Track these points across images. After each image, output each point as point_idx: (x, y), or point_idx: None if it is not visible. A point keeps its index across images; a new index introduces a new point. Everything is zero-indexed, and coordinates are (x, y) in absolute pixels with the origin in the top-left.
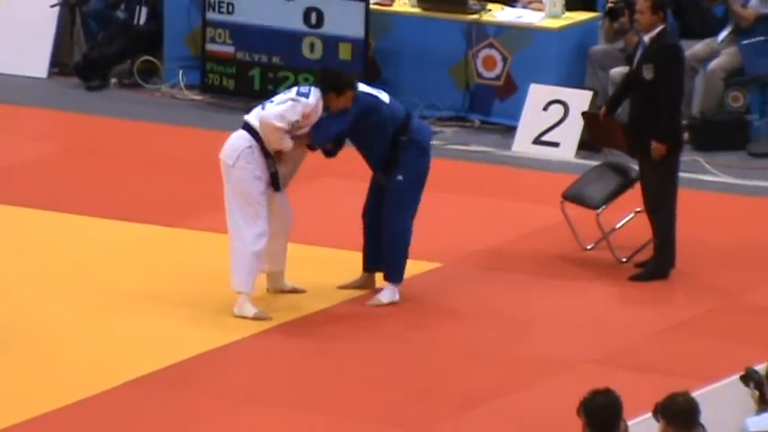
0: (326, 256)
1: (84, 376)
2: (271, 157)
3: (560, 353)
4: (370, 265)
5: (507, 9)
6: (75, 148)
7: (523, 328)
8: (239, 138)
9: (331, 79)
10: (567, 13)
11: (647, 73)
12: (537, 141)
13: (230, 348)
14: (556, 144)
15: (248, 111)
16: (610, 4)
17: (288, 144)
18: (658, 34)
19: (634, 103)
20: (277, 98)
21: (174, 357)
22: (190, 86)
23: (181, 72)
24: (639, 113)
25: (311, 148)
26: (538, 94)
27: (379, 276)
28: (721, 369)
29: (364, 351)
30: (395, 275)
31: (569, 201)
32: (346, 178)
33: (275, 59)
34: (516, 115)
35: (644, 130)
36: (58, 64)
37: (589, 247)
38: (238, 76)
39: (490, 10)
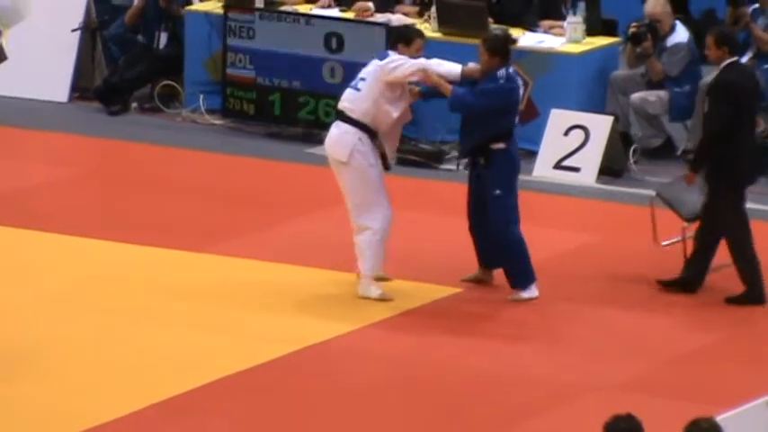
0: (337, 279)
1: (105, 399)
2: (377, 139)
3: (582, 378)
4: (486, 262)
5: (528, 34)
6: (95, 173)
7: (544, 353)
8: (345, 133)
9: (398, 32)
10: (588, 39)
11: (705, 105)
12: (558, 166)
13: (248, 374)
14: (577, 169)
15: (270, 135)
16: (632, 29)
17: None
18: (724, 68)
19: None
20: (366, 72)
21: (193, 382)
22: (210, 111)
23: (201, 97)
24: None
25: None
26: (559, 118)
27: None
28: (743, 395)
29: (386, 377)
30: (523, 281)
31: (663, 202)
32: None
33: (296, 84)
34: (537, 140)
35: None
36: (79, 88)
37: (665, 243)
38: (259, 101)
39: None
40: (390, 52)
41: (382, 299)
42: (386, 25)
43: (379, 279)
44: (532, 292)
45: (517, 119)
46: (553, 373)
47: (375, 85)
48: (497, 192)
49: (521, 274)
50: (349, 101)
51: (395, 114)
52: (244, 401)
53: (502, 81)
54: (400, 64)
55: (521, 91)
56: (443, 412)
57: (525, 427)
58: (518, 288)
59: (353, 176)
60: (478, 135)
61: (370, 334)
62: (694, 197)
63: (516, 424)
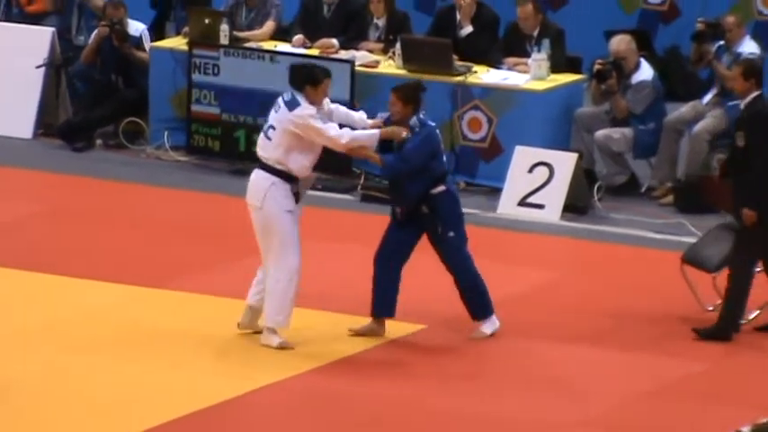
0: (311, 317)
1: None
2: (294, 182)
3: (546, 415)
4: (379, 310)
5: (493, 71)
6: (59, 209)
7: (507, 391)
8: (260, 178)
9: (305, 73)
10: (553, 76)
11: (740, 140)
12: (522, 203)
13: (211, 411)
14: (541, 206)
15: (234, 172)
16: (597, 66)
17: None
18: (752, 101)
19: (731, 167)
20: (275, 120)
21: (153, 419)
22: (175, 147)
23: (166, 133)
24: (734, 180)
25: (384, 175)
26: (523, 156)
27: (394, 324)
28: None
29: (345, 415)
30: (484, 312)
31: (688, 263)
32: (331, 241)
33: (261, 121)
34: (501, 177)
35: (737, 196)
36: (44, 125)
37: (710, 308)
38: (224, 138)
39: (476, 72)
40: (298, 97)
41: (283, 347)
42: (351, 62)
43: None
44: (494, 323)
45: (445, 158)
46: (514, 412)
47: (284, 135)
48: (451, 234)
49: (484, 305)
50: (262, 148)
51: (307, 162)
52: None
53: (417, 129)
54: (315, 126)
55: (437, 131)
56: None
57: None
58: (481, 319)
59: (265, 222)
60: (419, 186)
61: (331, 371)
62: (711, 250)
63: None
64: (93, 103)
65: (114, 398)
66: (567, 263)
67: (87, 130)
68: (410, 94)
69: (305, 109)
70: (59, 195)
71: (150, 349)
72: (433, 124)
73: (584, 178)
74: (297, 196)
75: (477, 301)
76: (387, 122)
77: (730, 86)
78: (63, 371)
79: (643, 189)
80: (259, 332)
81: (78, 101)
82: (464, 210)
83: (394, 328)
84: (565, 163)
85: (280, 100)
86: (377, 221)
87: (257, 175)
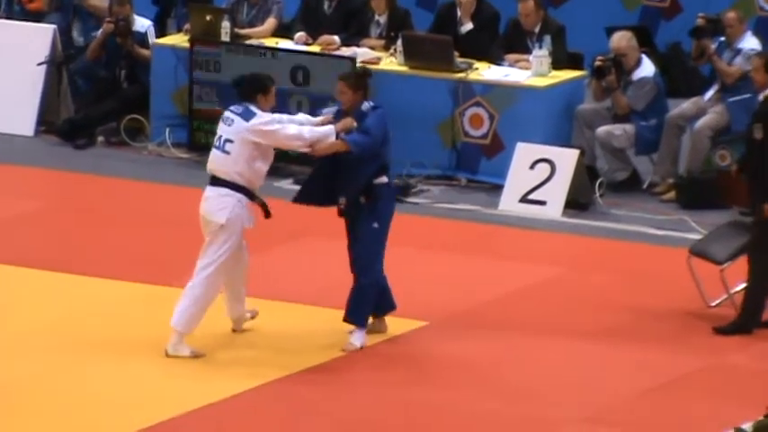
0: (308, 314)
1: None
2: (255, 196)
3: (549, 412)
4: (378, 308)
5: (494, 68)
6: (61, 207)
7: (510, 387)
8: (224, 195)
9: (253, 82)
10: (554, 72)
11: (757, 132)
12: (524, 200)
13: (214, 407)
14: (542, 202)
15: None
16: (597, 63)
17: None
18: None
19: (748, 161)
20: (231, 134)
21: (157, 416)
22: (177, 144)
23: (168, 130)
24: (750, 172)
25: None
26: (525, 152)
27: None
28: (710, 429)
29: (345, 412)
30: (362, 319)
31: (695, 256)
32: (328, 238)
33: None
34: (503, 174)
35: (754, 189)
36: (45, 122)
37: (713, 304)
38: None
39: (477, 68)
40: (251, 107)
41: (195, 355)
42: (352, 59)
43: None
44: (363, 337)
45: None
46: (519, 408)
47: (244, 146)
48: (375, 225)
49: (366, 313)
50: (219, 164)
51: (266, 168)
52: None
53: (370, 111)
54: (275, 130)
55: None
56: None
57: None
58: (360, 324)
59: (225, 239)
60: (369, 171)
61: (332, 367)
62: (720, 244)
63: None
64: (96, 100)
65: (114, 397)
66: (569, 259)
67: (89, 127)
68: (358, 82)
69: (261, 116)
70: (61, 193)
71: (154, 347)
72: (381, 108)
73: (585, 174)
74: (264, 207)
75: (362, 305)
76: (336, 116)
77: (730, 82)
78: (66, 370)
79: (645, 185)
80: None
81: (81, 98)
82: (466, 206)
83: (396, 324)
84: (566, 159)
85: (229, 114)
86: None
87: (218, 192)
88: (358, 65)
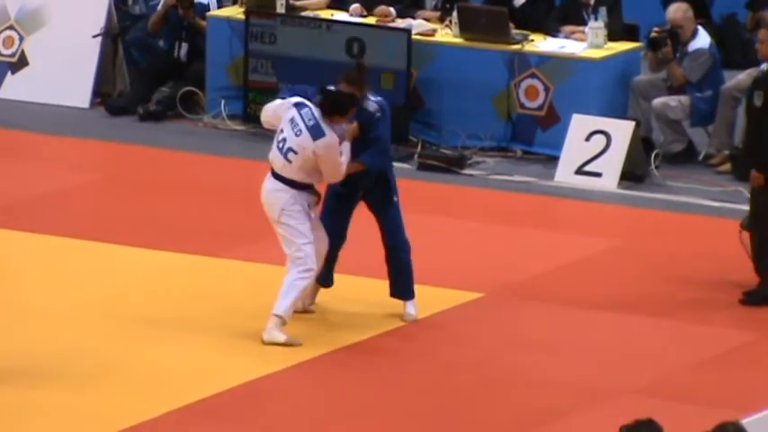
0: (355, 284)
1: (127, 405)
2: (312, 190)
3: (602, 383)
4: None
5: (550, 39)
6: (116, 179)
7: (564, 358)
8: (277, 190)
9: (335, 103)
10: (610, 44)
11: (757, 100)
12: (579, 172)
13: (268, 380)
14: (598, 174)
15: None
16: (653, 34)
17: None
18: None
19: (746, 128)
20: (296, 145)
21: (213, 388)
22: (232, 116)
23: (223, 102)
24: (747, 139)
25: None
26: (580, 124)
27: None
28: (764, 400)
29: (406, 382)
30: (412, 292)
31: (746, 230)
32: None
33: None
34: (558, 145)
35: (749, 157)
36: (101, 94)
37: None
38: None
39: (533, 40)
40: (322, 124)
41: (289, 344)
42: (407, 31)
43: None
44: (416, 306)
45: None
46: (573, 379)
47: (307, 161)
48: (395, 198)
49: (411, 286)
50: (279, 168)
51: (320, 176)
52: (262, 408)
53: (378, 114)
54: (335, 162)
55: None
56: (461, 416)
57: None
58: (412, 297)
59: (283, 231)
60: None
61: (387, 339)
62: None
63: (535, 429)
64: (155, 74)
65: (172, 367)
66: (625, 231)
67: (147, 102)
68: (359, 77)
69: (330, 139)
70: (116, 165)
71: (208, 318)
72: (382, 99)
73: (641, 146)
74: (318, 197)
75: (409, 278)
76: None
77: None
78: (123, 341)
79: (700, 157)
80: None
81: (140, 74)
82: (521, 178)
83: (451, 296)
84: (622, 131)
85: (299, 119)
86: (434, 190)
87: (274, 186)
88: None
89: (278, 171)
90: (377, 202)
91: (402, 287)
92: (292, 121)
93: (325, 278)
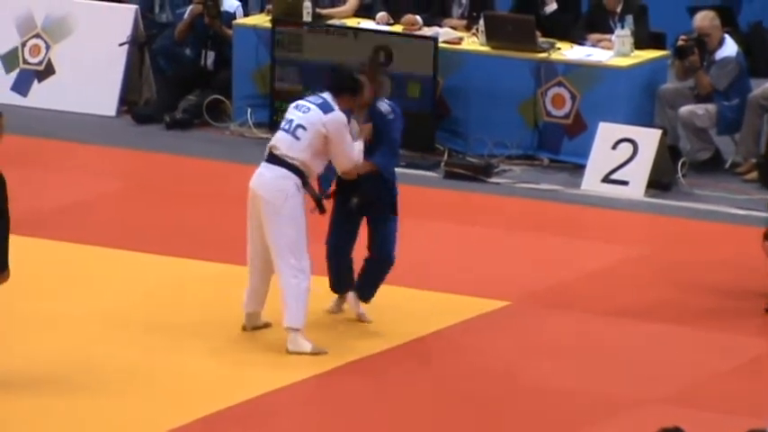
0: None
1: (151, 414)
2: (308, 184)
3: (628, 391)
4: (345, 286)
5: (576, 47)
6: (143, 187)
7: (590, 367)
8: (281, 177)
9: (345, 81)
10: (636, 52)
11: None
12: (606, 180)
13: (294, 388)
14: (625, 183)
15: None
16: (680, 42)
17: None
18: None
19: None
20: (305, 121)
21: (235, 398)
22: (258, 125)
23: (249, 110)
24: None
25: (379, 172)
26: (607, 132)
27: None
28: None
29: (430, 390)
30: (372, 296)
31: None
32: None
33: None
34: (585, 154)
35: None
36: (127, 102)
37: None
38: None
39: (559, 48)
40: (331, 101)
41: (315, 353)
42: (434, 39)
43: (264, 326)
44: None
45: None
46: (598, 387)
47: (317, 139)
48: (395, 215)
49: (375, 292)
50: (286, 147)
51: (321, 169)
52: (289, 415)
53: (390, 116)
54: (345, 139)
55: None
56: (485, 425)
57: None
58: (367, 299)
59: (285, 221)
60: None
61: (412, 347)
62: None
63: None
64: (182, 84)
65: (198, 375)
66: (651, 239)
67: (174, 110)
68: (366, 69)
69: (339, 115)
70: (143, 173)
71: (233, 327)
72: (394, 103)
73: (668, 154)
74: (319, 203)
75: (377, 283)
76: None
77: None
78: (147, 349)
79: (727, 165)
80: (259, 327)
81: (166, 82)
82: (548, 186)
83: (478, 304)
84: (649, 139)
85: (305, 102)
86: (461, 198)
87: (275, 173)
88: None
89: (284, 152)
90: (377, 216)
91: (366, 291)
92: (298, 106)
93: (344, 284)
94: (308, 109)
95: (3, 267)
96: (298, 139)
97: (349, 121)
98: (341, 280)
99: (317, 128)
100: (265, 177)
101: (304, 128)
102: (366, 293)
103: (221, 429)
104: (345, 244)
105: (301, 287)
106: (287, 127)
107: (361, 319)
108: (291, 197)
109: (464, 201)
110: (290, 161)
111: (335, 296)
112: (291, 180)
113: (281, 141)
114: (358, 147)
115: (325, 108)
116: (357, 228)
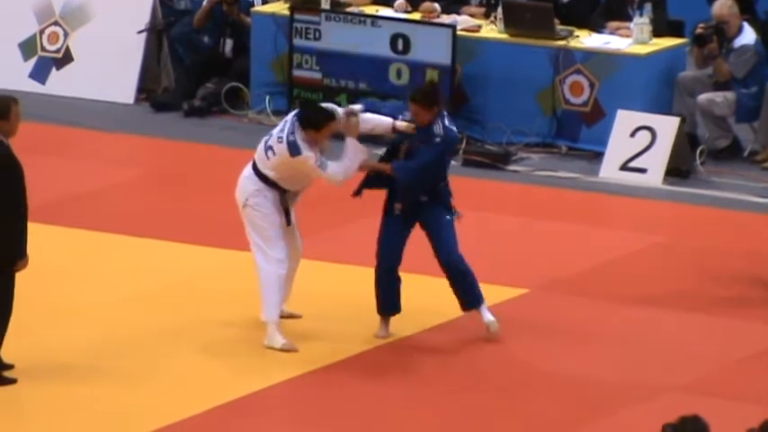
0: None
1: (173, 400)
2: (282, 192)
3: (647, 380)
4: (392, 309)
5: (595, 35)
6: (161, 174)
7: (610, 355)
8: (247, 178)
9: (307, 116)
10: (655, 40)
11: None
12: (624, 167)
13: (309, 376)
14: (643, 170)
15: (336, 136)
16: (698, 31)
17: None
18: None
19: None
20: (276, 149)
21: (254, 386)
22: (276, 112)
23: (267, 98)
24: None
25: (397, 182)
26: (625, 120)
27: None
28: None
29: (449, 377)
30: (480, 299)
31: None
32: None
33: (362, 85)
34: (603, 141)
35: None
36: (145, 90)
37: None
38: (325, 102)
39: (578, 36)
40: (299, 138)
41: (286, 349)
42: (452, 26)
43: (289, 317)
44: (488, 312)
45: None
46: (618, 375)
47: (280, 165)
48: (448, 217)
49: (478, 294)
50: (259, 159)
51: (302, 184)
52: (304, 402)
53: (438, 140)
54: (316, 171)
55: (458, 135)
56: (504, 413)
57: (590, 429)
58: (477, 305)
59: (248, 220)
60: (427, 183)
61: (430, 335)
62: None
63: (579, 426)
64: (200, 72)
65: (215, 363)
66: (670, 227)
67: (192, 98)
68: (431, 98)
69: (306, 159)
70: (161, 160)
71: (248, 314)
72: (455, 130)
73: (686, 142)
74: (287, 214)
75: (473, 288)
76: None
77: None
78: (165, 337)
79: (745, 153)
80: (284, 317)
81: (185, 70)
82: (566, 174)
83: (496, 292)
84: (667, 127)
85: (284, 128)
86: (479, 186)
87: (246, 173)
88: (427, 78)
89: (256, 161)
90: (431, 221)
91: (471, 297)
92: (284, 123)
93: (393, 306)
94: (282, 140)
95: (21, 254)
96: (267, 158)
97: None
98: (388, 302)
99: (284, 160)
100: (241, 176)
101: (274, 152)
102: (471, 300)
103: (237, 418)
104: (395, 262)
105: (270, 280)
106: (266, 139)
107: (491, 328)
108: (250, 199)
109: (482, 188)
110: (261, 170)
111: (381, 320)
112: (255, 185)
113: (258, 149)
114: (343, 169)
115: (293, 150)
116: (406, 241)
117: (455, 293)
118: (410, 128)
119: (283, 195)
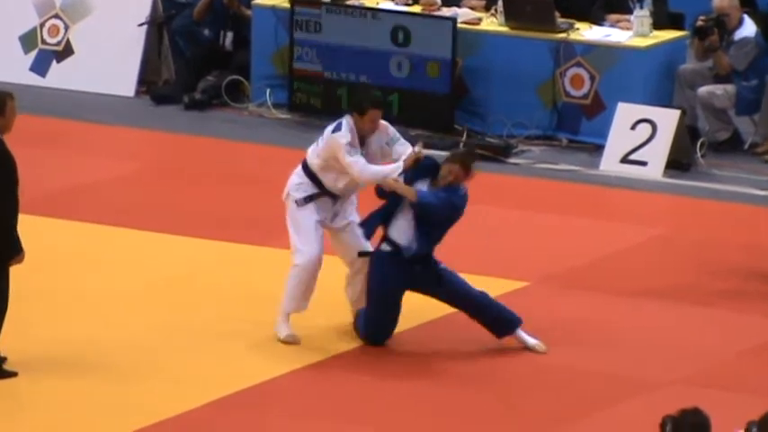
0: None
1: (168, 395)
2: (330, 196)
3: (647, 373)
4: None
5: (595, 28)
6: (161, 167)
7: (610, 348)
8: (294, 173)
9: (355, 100)
10: (655, 32)
11: None
12: (625, 160)
13: (306, 371)
14: (644, 163)
15: None
16: (699, 23)
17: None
18: None
19: None
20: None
21: (254, 379)
22: (277, 105)
23: (268, 91)
24: None
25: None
26: (626, 112)
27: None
28: None
29: (450, 370)
30: (514, 324)
31: None
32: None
33: (363, 78)
34: (604, 134)
35: None
36: (146, 82)
37: None
38: (326, 95)
39: (578, 29)
40: (344, 121)
41: (288, 341)
42: (453, 19)
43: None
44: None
45: None
46: (618, 368)
47: (324, 152)
48: (442, 265)
49: (510, 319)
50: (310, 150)
51: (340, 185)
52: (301, 397)
53: (462, 193)
54: (338, 158)
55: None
56: (505, 405)
57: (590, 422)
58: (512, 331)
59: (288, 213)
60: (436, 239)
61: (430, 328)
62: None
63: (580, 418)
64: (201, 65)
65: (210, 358)
66: (670, 219)
67: (189, 88)
68: (471, 162)
69: (340, 137)
70: (161, 153)
71: (248, 308)
72: (465, 194)
73: (687, 135)
74: (334, 198)
75: (501, 315)
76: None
77: None
78: (164, 330)
79: (746, 146)
80: None
81: (185, 63)
82: (567, 167)
83: (497, 285)
84: (668, 119)
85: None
86: (479, 178)
87: (297, 168)
88: (463, 144)
89: (307, 154)
90: (434, 287)
91: (504, 325)
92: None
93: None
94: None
95: (18, 250)
96: (317, 144)
97: (363, 144)
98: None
99: (326, 141)
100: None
101: (323, 136)
102: (504, 326)
103: (233, 413)
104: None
105: (293, 273)
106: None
107: (537, 349)
108: (291, 194)
109: (483, 181)
110: (308, 162)
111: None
112: (298, 179)
113: (312, 146)
114: (372, 168)
115: (335, 127)
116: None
117: (485, 326)
118: (414, 159)
119: (327, 195)
